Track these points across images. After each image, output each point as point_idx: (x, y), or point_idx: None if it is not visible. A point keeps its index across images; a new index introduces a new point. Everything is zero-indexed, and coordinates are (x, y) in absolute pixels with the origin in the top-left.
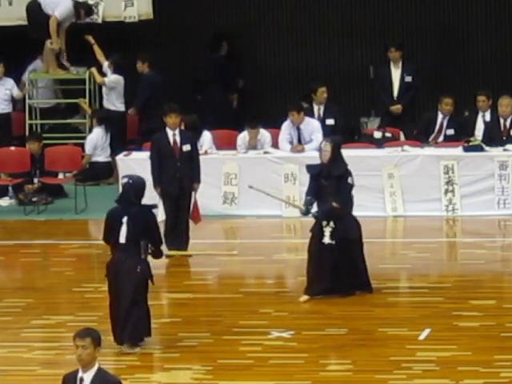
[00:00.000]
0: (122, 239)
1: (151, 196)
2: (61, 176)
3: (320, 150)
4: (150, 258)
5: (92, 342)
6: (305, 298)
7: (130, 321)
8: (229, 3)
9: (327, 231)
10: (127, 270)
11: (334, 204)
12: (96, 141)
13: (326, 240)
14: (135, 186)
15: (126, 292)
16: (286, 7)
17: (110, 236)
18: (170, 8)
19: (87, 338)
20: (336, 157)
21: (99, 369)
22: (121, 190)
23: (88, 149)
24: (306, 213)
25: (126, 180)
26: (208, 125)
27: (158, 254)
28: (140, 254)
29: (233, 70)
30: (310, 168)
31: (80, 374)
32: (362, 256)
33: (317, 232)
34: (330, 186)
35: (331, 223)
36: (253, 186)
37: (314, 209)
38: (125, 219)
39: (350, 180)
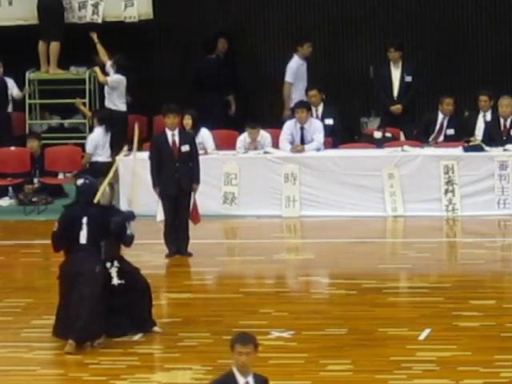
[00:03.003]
0: (83, 240)
1: (152, 195)
2: (61, 176)
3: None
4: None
5: (254, 348)
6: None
7: (82, 319)
8: (229, 3)
9: (114, 271)
10: (87, 269)
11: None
12: (97, 141)
13: (115, 281)
14: (92, 186)
15: (84, 290)
16: (285, 7)
17: (65, 236)
18: (170, 8)
19: (250, 345)
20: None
21: (253, 372)
22: (76, 190)
23: (89, 148)
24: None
25: (82, 180)
26: (206, 126)
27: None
28: (100, 255)
29: (229, 72)
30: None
31: (243, 380)
32: (146, 295)
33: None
34: None
35: (115, 263)
36: None
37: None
38: (84, 220)
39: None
